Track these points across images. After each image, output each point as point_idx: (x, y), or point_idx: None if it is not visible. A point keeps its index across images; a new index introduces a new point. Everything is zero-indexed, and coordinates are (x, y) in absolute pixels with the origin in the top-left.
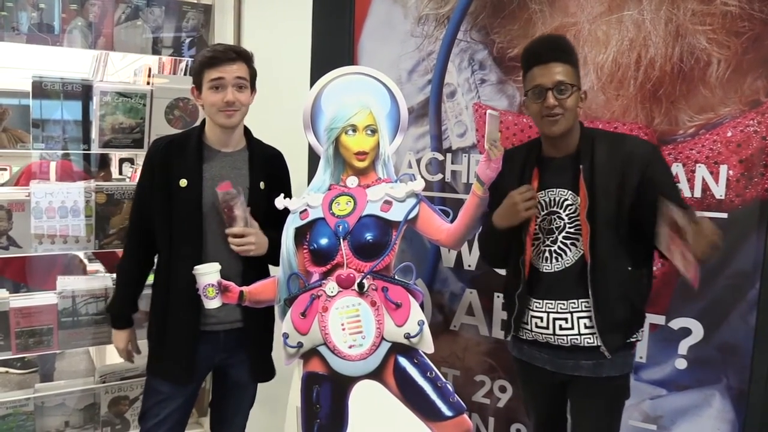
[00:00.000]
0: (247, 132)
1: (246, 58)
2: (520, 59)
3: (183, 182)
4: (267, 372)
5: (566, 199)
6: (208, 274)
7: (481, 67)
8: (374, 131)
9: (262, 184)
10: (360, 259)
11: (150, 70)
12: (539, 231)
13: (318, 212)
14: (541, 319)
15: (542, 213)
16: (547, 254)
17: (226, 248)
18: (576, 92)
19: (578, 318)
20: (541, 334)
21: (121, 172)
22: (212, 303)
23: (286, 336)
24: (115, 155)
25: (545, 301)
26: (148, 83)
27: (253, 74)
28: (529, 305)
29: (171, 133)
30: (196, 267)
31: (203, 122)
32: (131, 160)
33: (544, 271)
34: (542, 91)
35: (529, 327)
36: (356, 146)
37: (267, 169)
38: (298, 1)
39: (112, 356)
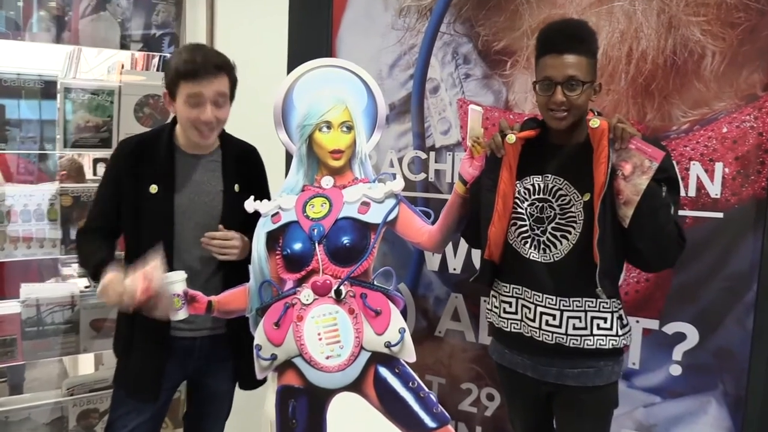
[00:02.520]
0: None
1: (228, 69)
2: (535, 42)
3: (153, 188)
4: (254, 378)
5: (560, 189)
6: (173, 283)
7: (466, 61)
8: (350, 128)
9: (236, 187)
10: (337, 265)
11: (123, 66)
12: (527, 216)
13: (291, 215)
14: (530, 309)
15: (531, 198)
16: (535, 243)
17: (201, 256)
18: (589, 88)
19: (568, 318)
20: (528, 326)
21: (95, 173)
22: (178, 314)
23: (258, 348)
24: (89, 155)
25: (533, 292)
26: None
27: (233, 83)
28: (500, 290)
29: (138, 133)
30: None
31: (174, 120)
32: (106, 160)
33: (531, 258)
34: (551, 84)
35: (519, 317)
36: (331, 144)
37: (241, 170)
38: None
39: (84, 367)
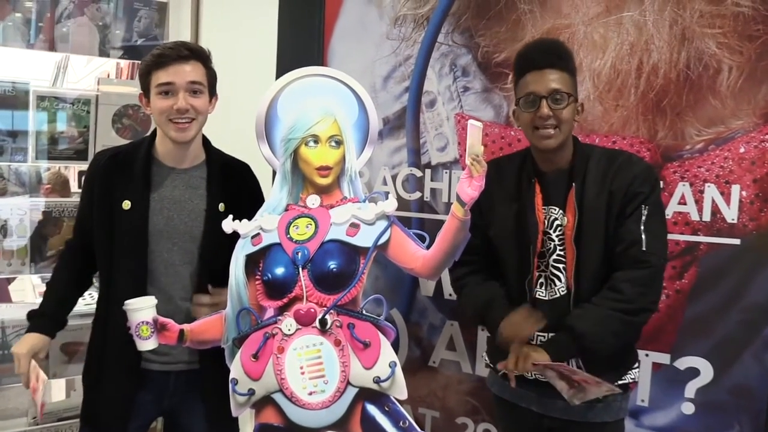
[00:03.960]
0: (206, 143)
1: (202, 57)
2: (513, 65)
3: (126, 204)
4: (229, 419)
5: (556, 219)
6: (141, 310)
7: (464, 73)
8: (339, 143)
9: (221, 206)
10: (322, 292)
11: (108, 75)
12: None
13: (273, 237)
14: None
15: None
16: (542, 279)
17: (178, 281)
18: (573, 103)
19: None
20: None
21: (80, 187)
22: (146, 344)
23: (234, 382)
24: (74, 168)
25: (537, 334)
26: None
27: (211, 77)
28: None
29: (117, 145)
30: (127, 302)
31: (154, 132)
32: None
33: (537, 297)
34: (536, 99)
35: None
36: (318, 160)
37: (230, 188)
38: None
39: (58, 393)
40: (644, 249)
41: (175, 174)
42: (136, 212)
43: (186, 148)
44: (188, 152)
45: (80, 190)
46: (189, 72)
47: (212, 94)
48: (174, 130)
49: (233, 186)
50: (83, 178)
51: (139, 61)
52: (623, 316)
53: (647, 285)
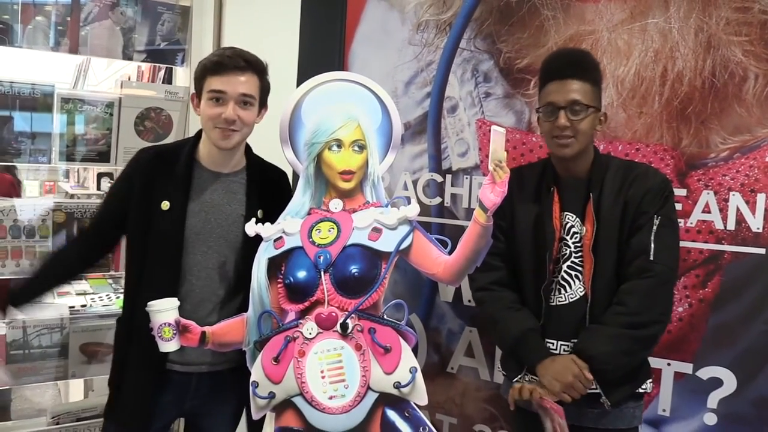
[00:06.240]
0: (247, 149)
1: (258, 69)
2: (539, 72)
3: (165, 205)
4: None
5: (573, 226)
6: (164, 311)
7: (486, 79)
8: (362, 147)
9: (260, 213)
10: (343, 296)
11: (129, 78)
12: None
13: (295, 240)
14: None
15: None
16: (553, 285)
17: (209, 285)
18: (593, 114)
19: None
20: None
21: (99, 188)
22: (169, 345)
23: (255, 385)
24: (93, 169)
25: (546, 341)
26: None
27: (264, 89)
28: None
29: (159, 143)
30: (150, 303)
31: (198, 134)
32: (110, 175)
33: (550, 303)
34: (554, 109)
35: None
36: (341, 164)
37: (268, 195)
38: (284, 4)
39: (75, 393)
40: (651, 259)
41: (215, 178)
42: (174, 214)
43: (230, 154)
44: (231, 158)
45: (101, 191)
46: (243, 83)
47: (262, 105)
48: (218, 136)
49: (271, 194)
50: (122, 172)
51: (162, 65)
52: (631, 331)
53: (652, 295)
